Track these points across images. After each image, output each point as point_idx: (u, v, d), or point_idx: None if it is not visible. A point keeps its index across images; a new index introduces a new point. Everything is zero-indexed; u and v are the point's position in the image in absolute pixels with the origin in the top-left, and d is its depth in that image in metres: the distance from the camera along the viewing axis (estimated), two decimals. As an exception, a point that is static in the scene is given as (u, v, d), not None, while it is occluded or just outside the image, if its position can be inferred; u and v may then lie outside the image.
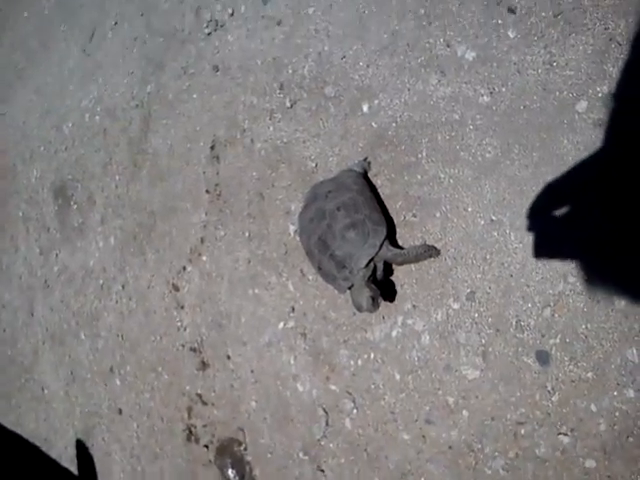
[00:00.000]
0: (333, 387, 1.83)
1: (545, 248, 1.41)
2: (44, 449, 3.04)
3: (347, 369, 1.80)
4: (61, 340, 2.95)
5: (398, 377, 1.69)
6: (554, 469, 1.41)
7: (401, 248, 1.61)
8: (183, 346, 2.31)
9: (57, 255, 2.99)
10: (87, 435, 2.77)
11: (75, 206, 2.90)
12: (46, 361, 3.05)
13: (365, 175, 1.70)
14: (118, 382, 2.61)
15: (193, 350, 2.27)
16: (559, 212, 1.39)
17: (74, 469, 2.86)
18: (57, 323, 2.98)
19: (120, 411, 2.60)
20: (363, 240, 1.50)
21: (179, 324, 2.33)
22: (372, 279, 1.53)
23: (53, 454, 2.99)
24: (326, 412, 1.84)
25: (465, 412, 1.56)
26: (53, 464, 2.94)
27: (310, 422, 1.88)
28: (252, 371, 2.06)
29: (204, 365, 2.23)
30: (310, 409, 1.88)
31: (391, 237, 1.62)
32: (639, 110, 1.29)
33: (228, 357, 2.14)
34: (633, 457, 1.30)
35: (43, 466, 2.98)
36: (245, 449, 2.08)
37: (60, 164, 3.00)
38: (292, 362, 1.94)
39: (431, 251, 1.56)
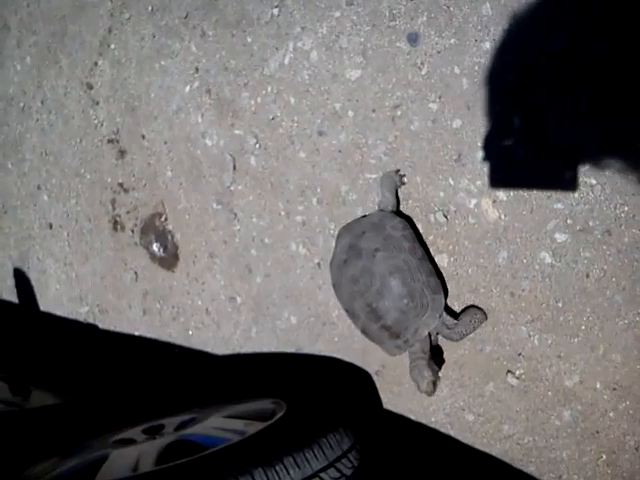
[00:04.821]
0: (237, 131, 1.93)
1: None
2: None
3: (248, 110, 1.89)
4: (-11, 179, 2.97)
5: (293, 101, 1.78)
6: (427, 140, 1.53)
7: (453, 314, 1.48)
8: (101, 141, 2.37)
9: (-22, 95, 2.98)
10: (23, 261, 2.83)
11: (-9, 39, 2.89)
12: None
13: (410, 221, 1.55)
14: (45, 197, 2.67)
15: (111, 141, 2.34)
16: None
17: (15, 298, 2.92)
18: (-16, 165, 2.99)
19: (50, 225, 2.66)
20: (422, 312, 1.37)
21: (96, 121, 2.39)
22: (431, 352, 1.42)
23: (-7, 291, 3.05)
24: (233, 157, 1.94)
25: (350, 112, 1.66)
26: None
27: (220, 172, 1.98)
28: (165, 142, 2.14)
29: (122, 153, 2.30)
30: (219, 160, 1.98)
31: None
32: None
33: (143, 137, 2.21)
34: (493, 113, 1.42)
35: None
36: (166, 219, 2.18)
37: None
38: (200, 120, 2.02)
39: (482, 318, 1.46)
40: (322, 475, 1.20)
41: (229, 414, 1.53)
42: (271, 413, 1.47)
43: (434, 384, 1.37)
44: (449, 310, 1.47)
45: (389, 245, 1.40)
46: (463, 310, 1.48)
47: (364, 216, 1.62)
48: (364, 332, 1.47)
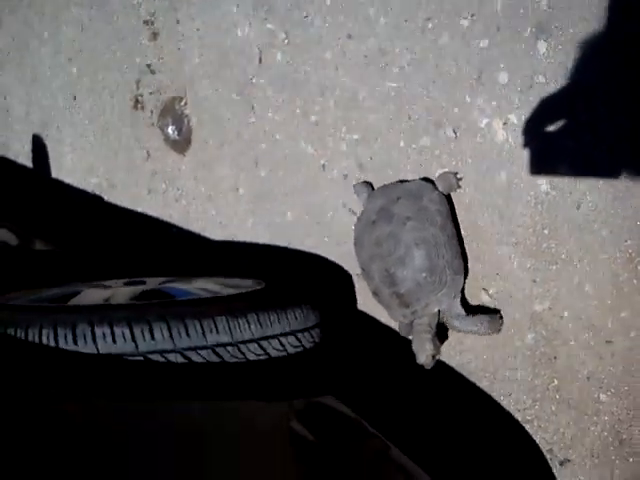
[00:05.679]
0: (269, 26, 1.94)
1: None
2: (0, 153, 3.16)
3: (283, 6, 1.90)
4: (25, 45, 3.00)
5: (329, 1, 1.78)
6: (451, 55, 1.54)
7: (465, 305, 1.45)
8: (137, 21, 2.38)
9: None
10: (43, 128, 2.88)
11: None
12: (9, 72, 3.12)
13: (449, 197, 1.49)
14: (74, 70, 2.71)
15: (146, 23, 2.35)
16: None
17: (29, 163, 2.99)
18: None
19: (75, 97, 2.71)
20: (438, 288, 1.35)
21: (135, 1, 2.40)
22: (437, 330, 1.40)
23: (10, 155, 3.11)
24: (260, 50, 1.96)
25: (383, 19, 1.67)
26: (9, 163, 3.07)
27: (245, 64, 2.00)
28: (198, 29, 2.16)
29: (155, 35, 2.32)
30: (246, 51, 2.00)
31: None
32: None
33: (177, 21, 2.23)
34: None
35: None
36: (185, 104, 2.22)
37: None
38: (235, 10, 2.03)
39: (493, 327, 1.43)
40: (282, 339, 1.27)
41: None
42: (249, 288, 1.53)
43: (433, 358, 1.36)
44: (465, 303, 1.46)
45: (422, 216, 1.38)
46: (480, 310, 1.46)
47: (403, 181, 1.61)
48: (375, 294, 1.47)
